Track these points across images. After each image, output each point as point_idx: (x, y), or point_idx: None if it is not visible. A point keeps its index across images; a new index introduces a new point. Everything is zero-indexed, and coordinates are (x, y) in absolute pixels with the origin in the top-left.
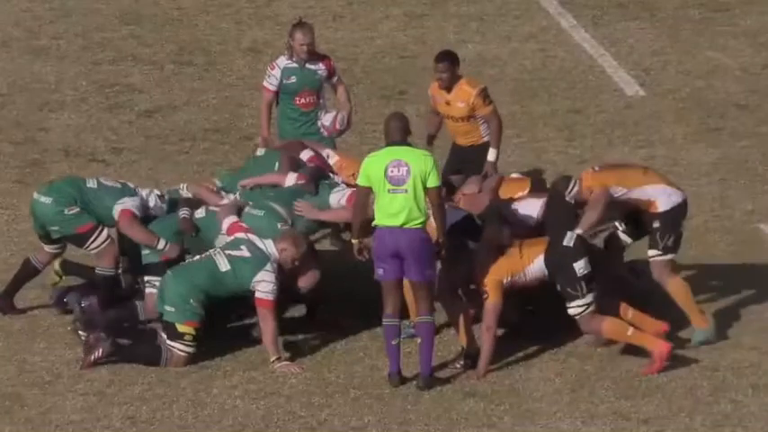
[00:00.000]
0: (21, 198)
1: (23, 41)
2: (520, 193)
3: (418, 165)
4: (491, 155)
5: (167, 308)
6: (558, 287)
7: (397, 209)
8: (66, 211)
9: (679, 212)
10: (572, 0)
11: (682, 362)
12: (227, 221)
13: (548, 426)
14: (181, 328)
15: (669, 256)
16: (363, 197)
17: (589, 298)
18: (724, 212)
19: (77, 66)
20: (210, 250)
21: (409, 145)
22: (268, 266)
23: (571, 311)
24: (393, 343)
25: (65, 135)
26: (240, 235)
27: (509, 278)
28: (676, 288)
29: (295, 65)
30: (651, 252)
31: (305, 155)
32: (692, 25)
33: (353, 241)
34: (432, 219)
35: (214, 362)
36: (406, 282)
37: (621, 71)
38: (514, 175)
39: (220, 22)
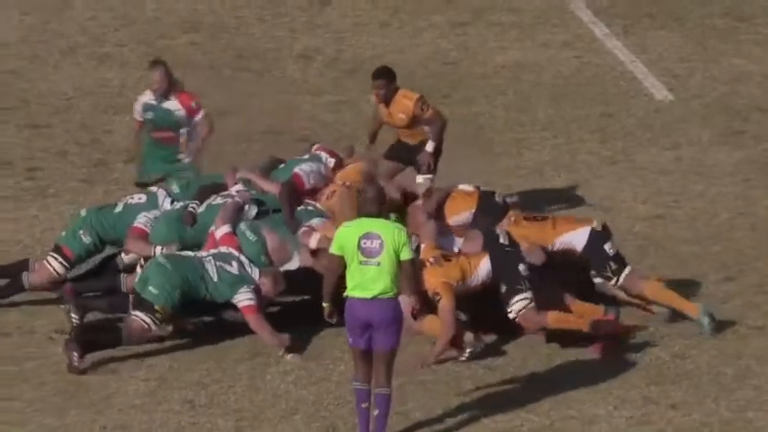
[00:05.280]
0: (87, 196)
1: (89, 48)
2: (465, 212)
3: (391, 238)
4: (429, 146)
5: (151, 289)
6: (503, 287)
7: (368, 281)
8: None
9: (596, 241)
10: (605, 10)
11: (707, 350)
12: (223, 229)
13: (582, 410)
14: (158, 307)
15: (626, 272)
16: (335, 265)
17: (530, 294)
18: (748, 210)
19: (140, 71)
20: (203, 255)
21: (383, 217)
22: (250, 285)
23: (516, 306)
24: (363, 406)
25: (128, 137)
26: (233, 251)
27: (460, 282)
28: (654, 290)
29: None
30: (611, 283)
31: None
32: (718, 34)
33: (324, 305)
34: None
35: (267, 349)
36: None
37: (651, 77)
38: (463, 187)
39: (275, 30)
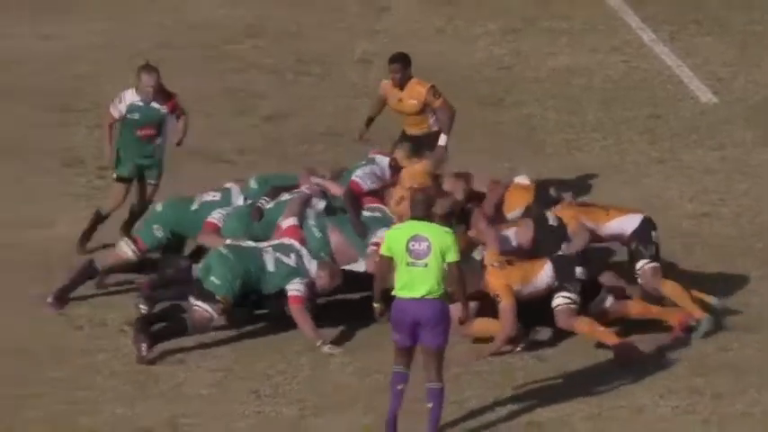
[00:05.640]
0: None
1: (157, 52)
2: (524, 203)
3: (438, 240)
4: (442, 140)
5: (213, 279)
6: (556, 282)
7: (415, 282)
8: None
9: (645, 228)
10: (652, 17)
11: (750, 344)
12: (289, 221)
13: (630, 400)
14: (219, 297)
15: (656, 263)
16: (385, 267)
17: (576, 297)
18: None
19: (205, 74)
20: (264, 245)
21: (431, 220)
22: (303, 278)
23: (557, 301)
24: (398, 388)
25: (194, 137)
26: (295, 243)
27: (519, 286)
28: (671, 289)
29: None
30: (640, 263)
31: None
32: (759, 39)
33: (375, 305)
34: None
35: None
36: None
37: (696, 80)
38: (520, 180)
39: (335, 35)
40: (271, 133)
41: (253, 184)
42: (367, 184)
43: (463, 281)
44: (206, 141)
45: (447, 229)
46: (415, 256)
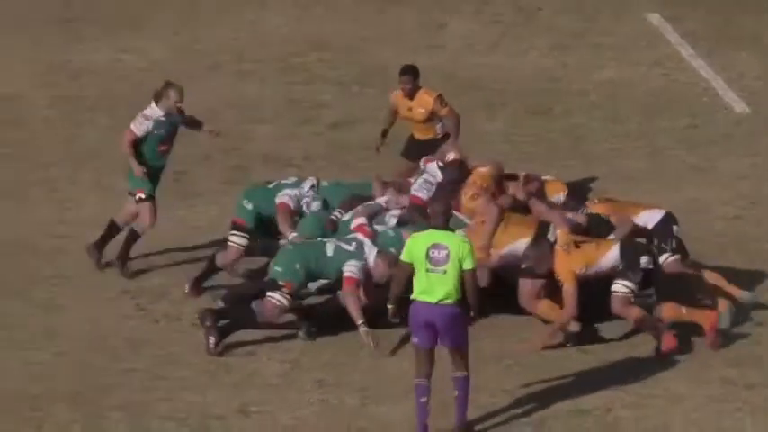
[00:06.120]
0: (227, 195)
1: (231, 65)
2: (561, 194)
3: (456, 249)
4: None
5: (277, 268)
6: (620, 267)
7: (433, 287)
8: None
9: (666, 223)
10: (691, 33)
11: None
12: (358, 221)
13: (667, 389)
14: (282, 282)
15: (678, 255)
16: (404, 271)
17: (634, 287)
18: None
19: (275, 85)
20: (327, 239)
21: (449, 229)
22: (360, 260)
23: (615, 287)
24: (421, 400)
25: (264, 144)
26: (358, 235)
27: (583, 269)
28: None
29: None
30: (664, 257)
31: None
32: None
33: (389, 306)
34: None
35: (390, 337)
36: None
37: (731, 93)
38: (549, 177)
39: (395, 49)
40: (335, 141)
41: (325, 183)
42: (424, 194)
43: (477, 288)
44: (274, 147)
45: (465, 237)
46: (435, 263)
